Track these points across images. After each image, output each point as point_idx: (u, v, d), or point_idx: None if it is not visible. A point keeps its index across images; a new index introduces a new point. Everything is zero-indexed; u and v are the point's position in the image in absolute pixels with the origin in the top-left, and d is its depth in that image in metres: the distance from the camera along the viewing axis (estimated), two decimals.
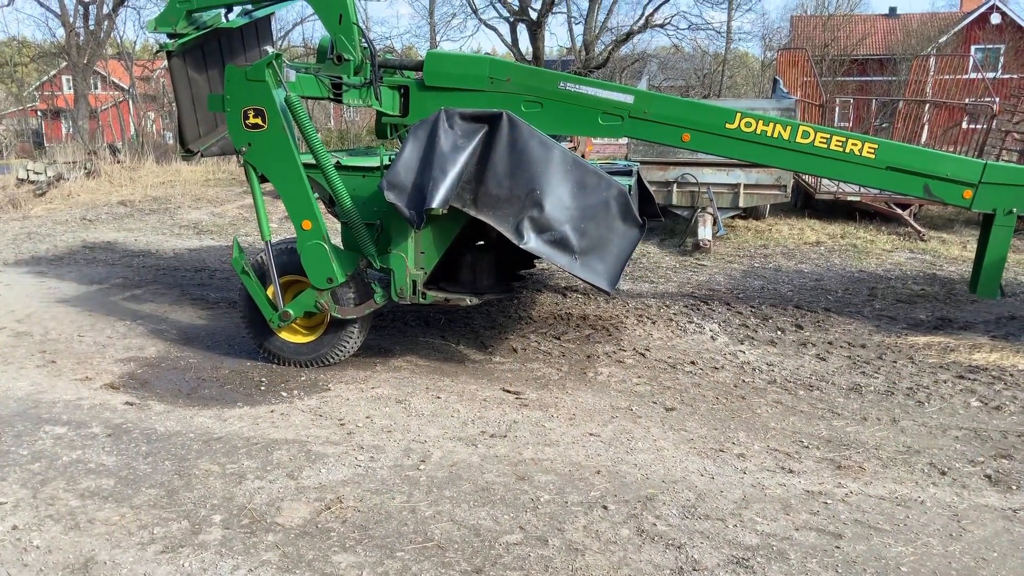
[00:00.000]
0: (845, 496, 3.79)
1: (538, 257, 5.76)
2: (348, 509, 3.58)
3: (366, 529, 3.42)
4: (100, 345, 6.19)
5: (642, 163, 9.52)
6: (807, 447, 4.38)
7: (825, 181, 11.99)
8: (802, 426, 4.68)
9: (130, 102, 28.84)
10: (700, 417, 4.79)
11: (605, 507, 3.63)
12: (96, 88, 34.79)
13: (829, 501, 3.74)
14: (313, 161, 5.30)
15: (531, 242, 4.95)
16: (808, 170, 6.40)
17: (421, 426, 4.57)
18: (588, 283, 5.05)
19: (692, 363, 5.81)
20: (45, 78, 40.86)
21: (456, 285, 5.68)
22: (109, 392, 5.14)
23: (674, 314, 7.14)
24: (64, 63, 31.97)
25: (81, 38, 28.88)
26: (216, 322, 6.86)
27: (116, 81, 34.30)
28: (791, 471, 4.07)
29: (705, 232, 10.32)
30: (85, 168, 17.21)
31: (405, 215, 4.97)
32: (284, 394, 5.12)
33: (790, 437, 4.51)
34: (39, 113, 42.97)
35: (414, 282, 5.37)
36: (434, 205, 4.80)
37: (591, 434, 4.48)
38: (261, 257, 5.57)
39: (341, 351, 5.65)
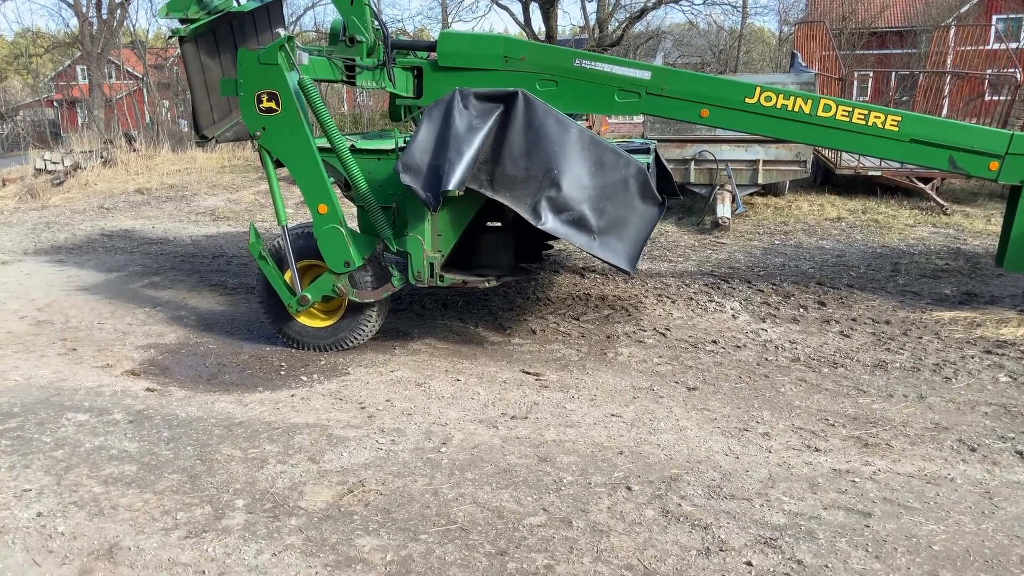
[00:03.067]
0: (873, 474, 3.73)
1: (556, 238, 5.71)
2: (370, 492, 3.57)
3: (389, 512, 3.40)
4: (120, 332, 6.21)
5: (659, 141, 9.41)
6: (833, 425, 4.31)
7: (846, 156, 11.82)
8: (827, 404, 4.62)
9: (144, 90, 28.92)
10: (723, 396, 4.74)
11: (629, 488, 3.60)
12: (111, 77, 34.91)
13: (857, 479, 3.68)
14: (328, 145, 5.26)
15: (549, 222, 4.88)
16: (830, 144, 6.29)
17: (441, 409, 4.54)
18: (607, 263, 4.99)
19: (714, 342, 5.74)
20: (60, 68, 41.03)
21: (473, 267, 5.64)
22: (130, 379, 5.16)
23: (694, 293, 7.07)
24: (78, 53, 32.08)
25: (94, 27, 28.94)
26: (235, 308, 6.86)
27: (130, 70, 34.38)
28: (817, 449, 4.01)
29: (724, 210, 10.21)
30: (101, 157, 17.26)
31: (421, 197, 4.92)
32: (304, 378, 5.11)
33: (815, 415, 4.45)
34: (55, 104, 43.20)
35: (431, 265, 5.33)
36: (450, 187, 4.75)
37: (613, 415, 4.43)
38: (278, 242, 5.55)
39: (360, 335, 5.63)
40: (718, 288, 7.23)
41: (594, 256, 5.05)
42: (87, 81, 31.04)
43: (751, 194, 11.49)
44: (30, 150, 21.13)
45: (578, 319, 6.33)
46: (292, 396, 4.78)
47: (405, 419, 4.41)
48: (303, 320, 5.70)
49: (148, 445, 4.11)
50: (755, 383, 4.95)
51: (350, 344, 5.65)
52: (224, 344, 5.87)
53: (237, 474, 3.76)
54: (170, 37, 6.52)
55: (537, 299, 6.91)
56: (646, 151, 6.89)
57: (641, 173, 5.03)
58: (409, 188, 4.95)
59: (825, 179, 13.04)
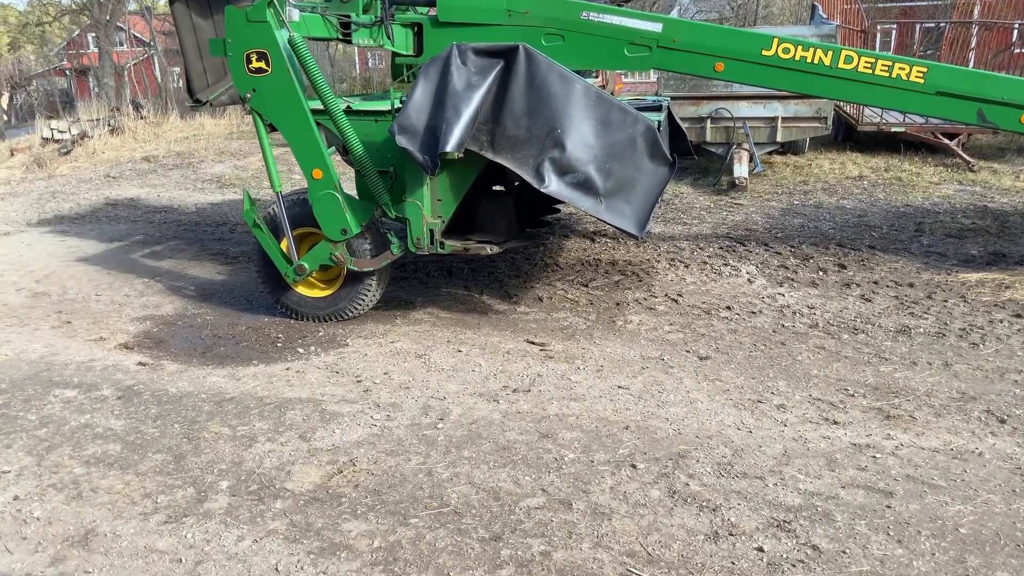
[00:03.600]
0: (895, 449, 3.51)
1: (562, 201, 5.45)
2: (361, 472, 3.39)
3: (379, 494, 3.23)
4: (117, 304, 6.06)
5: (673, 98, 9.07)
6: (852, 396, 4.08)
7: (868, 112, 11.40)
8: (847, 373, 4.38)
9: (154, 57, 28.63)
10: (736, 366, 4.51)
11: (634, 466, 3.40)
12: (120, 45, 34.62)
13: (878, 455, 3.46)
14: (322, 107, 5.02)
15: (552, 185, 4.64)
16: (852, 98, 5.96)
17: (441, 382, 4.35)
18: (615, 227, 4.75)
19: (728, 308, 5.50)
20: (70, 36, 40.76)
21: (476, 233, 5.40)
22: (123, 352, 5.01)
23: (708, 257, 6.81)
24: (87, 20, 31.78)
25: None
26: (235, 277, 6.69)
27: (139, 35, 34.06)
28: (836, 423, 3.78)
29: (741, 169, 9.88)
30: (109, 125, 17.10)
31: (418, 161, 4.68)
32: (301, 350, 4.94)
33: (834, 385, 4.22)
34: (67, 72, 43.00)
35: (431, 231, 5.11)
36: (448, 149, 4.51)
37: (620, 387, 4.22)
38: (273, 209, 5.35)
39: (360, 305, 5.44)
40: (734, 251, 6.96)
41: (601, 220, 4.80)
42: (96, 49, 30.78)
43: (769, 153, 11.14)
44: (40, 120, 20.97)
45: (587, 286, 6.10)
46: (287, 369, 4.61)
47: (402, 393, 4.22)
48: (301, 290, 5.52)
49: (134, 423, 3.95)
50: (771, 351, 4.72)
51: (350, 314, 5.47)
52: (221, 315, 5.70)
53: (223, 453, 3.60)
54: None
55: (545, 265, 6.68)
56: (658, 109, 6.59)
57: (650, 131, 4.76)
58: (405, 151, 4.71)
59: (846, 136, 12.61)
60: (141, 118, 18.12)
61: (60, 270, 7.12)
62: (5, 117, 33.07)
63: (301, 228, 5.36)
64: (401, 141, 4.69)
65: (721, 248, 7.08)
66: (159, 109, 19.31)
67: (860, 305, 5.51)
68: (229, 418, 3.97)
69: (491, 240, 5.26)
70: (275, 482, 3.34)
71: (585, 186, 4.67)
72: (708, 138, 10.65)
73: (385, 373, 4.49)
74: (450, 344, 4.94)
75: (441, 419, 3.89)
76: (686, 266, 6.56)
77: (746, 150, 10.22)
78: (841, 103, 11.55)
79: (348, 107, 5.32)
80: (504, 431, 3.73)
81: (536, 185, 4.64)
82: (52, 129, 16.32)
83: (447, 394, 4.19)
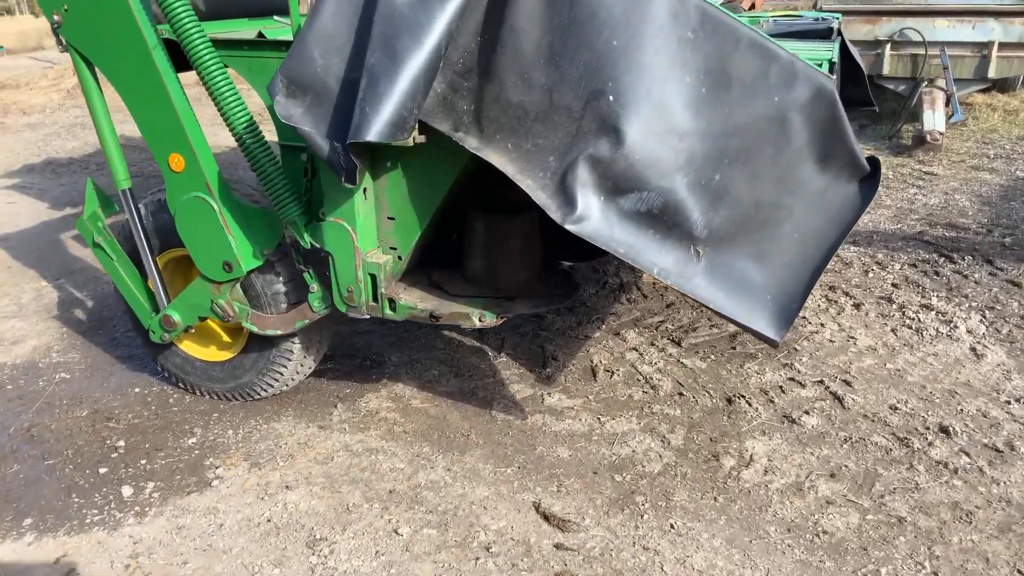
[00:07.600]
0: None
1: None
2: None
3: None
4: None
5: (843, 14, 6.11)
6: None
7: None
8: None
9: None
10: None
11: None
12: None
13: None
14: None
15: (592, 219, 2.12)
16: None
17: None
18: (728, 318, 2.19)
19: (944, 432, 2.87)
20: None
21: (462, 280, 2.94)
22: None
23: (894, 285, 4.10)
24: None
25: None
26: None
27: None
28: None
29: (935, 119, 6.84)
30: None
31: (321, 152, 2.26)
32: (125, 494, 2.71)
33: None
34: None
35: (373, 278, 2.70)
36: (369, 136, 2.06)
37: None
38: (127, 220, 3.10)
39: (275, 380, 3.16)
40: (937, 274, 4.21)
41: (695, 300, 2.24)
42: None
43: (969, 92, 7.93)
44: None
45: (679, 344, 3.57)
46: (56, 562, 2.40)
47: None
48: (188, 348, 3.30)
49: None
50: None
51: (261, 393, 3.22)
52: (82, 372, 3.58)
53: None
54: None
55: (617, 288, 4.17)
56: (826, 35, 3.89)
57: (824, 100, 2.13)
58: (297, 132, 2.29)
59: None
60: None
61: None
62: None
63: (175, 249, 3.09)
64: (286, 111, 2.25)
65: (914, 265, 4.34)
66: None
67: None
68: None
69: (487, 296, 2.79)
70: None
71: (663, 222, 2.13)
72: (885, 70, 7.59)
73: None
74: (389, 505, 2.58)
75: None
76: (856, 306, 3.89)
77: (942, 90, 7.14)
78: None
79: (260, 34, 2.94)
80: None
81: (556, 217, 2.13)
82: None
83: None
